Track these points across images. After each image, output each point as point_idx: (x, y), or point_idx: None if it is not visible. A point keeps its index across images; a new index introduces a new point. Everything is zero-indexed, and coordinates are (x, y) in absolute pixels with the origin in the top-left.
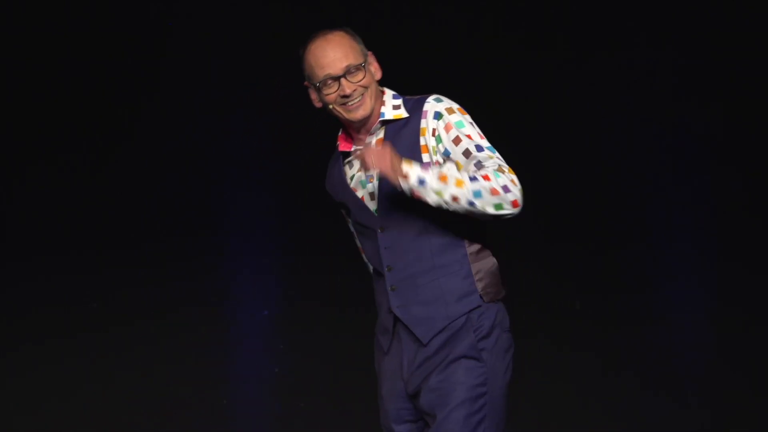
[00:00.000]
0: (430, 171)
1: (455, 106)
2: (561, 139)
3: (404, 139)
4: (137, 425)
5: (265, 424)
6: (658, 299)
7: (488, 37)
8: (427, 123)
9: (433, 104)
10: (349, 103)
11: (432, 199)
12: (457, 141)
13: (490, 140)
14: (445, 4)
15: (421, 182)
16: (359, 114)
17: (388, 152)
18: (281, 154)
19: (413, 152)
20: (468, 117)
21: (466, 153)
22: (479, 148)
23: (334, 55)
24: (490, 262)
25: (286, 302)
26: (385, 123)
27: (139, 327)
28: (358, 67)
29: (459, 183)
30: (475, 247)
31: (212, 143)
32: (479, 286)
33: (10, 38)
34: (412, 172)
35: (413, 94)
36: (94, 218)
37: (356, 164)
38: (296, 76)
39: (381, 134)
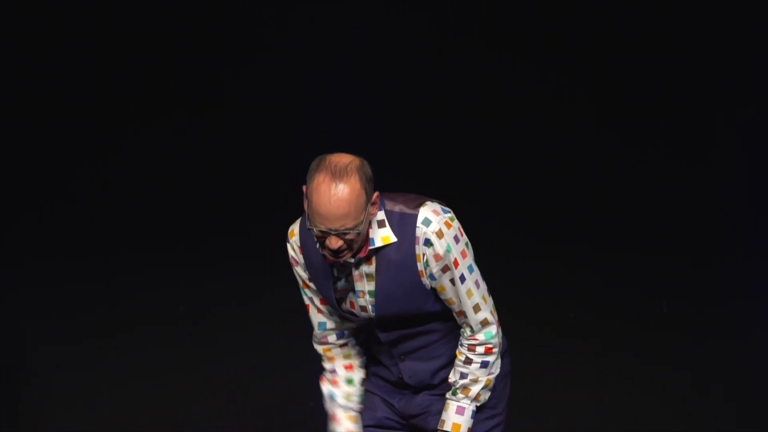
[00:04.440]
0: (467, 413)
1: (442, 225)
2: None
3: (401, 275)
4: (228, 423)
5: None
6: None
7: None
8: (419, 249)
9: (422, 229)
10: (327, 254)
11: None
12: (444, 270)
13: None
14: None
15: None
16: (336, 262)
17: None
18: None
19: (413, 284)
20: (456, 235)
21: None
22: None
23: (334, 213)
24: None
25: None
26: (375, 252)
27: (235, 323)
28: (353, 228)
29: (478, 396)
30: None
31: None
32: None
33: (74, 37)
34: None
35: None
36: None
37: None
38: None
39: (370, 269)
